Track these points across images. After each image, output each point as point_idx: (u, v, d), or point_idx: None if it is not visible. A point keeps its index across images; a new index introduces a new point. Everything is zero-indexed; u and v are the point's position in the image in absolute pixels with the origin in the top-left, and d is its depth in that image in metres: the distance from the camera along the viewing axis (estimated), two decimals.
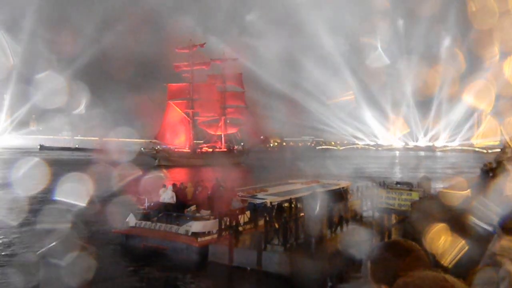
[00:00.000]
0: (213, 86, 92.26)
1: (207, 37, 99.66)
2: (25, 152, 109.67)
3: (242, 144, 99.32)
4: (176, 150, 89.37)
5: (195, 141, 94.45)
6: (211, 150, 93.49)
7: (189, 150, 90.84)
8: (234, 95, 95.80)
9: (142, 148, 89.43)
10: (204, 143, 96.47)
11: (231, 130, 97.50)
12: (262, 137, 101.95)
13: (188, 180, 24.26)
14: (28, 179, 37.59)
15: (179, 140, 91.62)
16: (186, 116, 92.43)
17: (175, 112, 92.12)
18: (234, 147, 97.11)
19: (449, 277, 1.38)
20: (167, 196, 19.59)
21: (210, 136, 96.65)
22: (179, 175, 60.05)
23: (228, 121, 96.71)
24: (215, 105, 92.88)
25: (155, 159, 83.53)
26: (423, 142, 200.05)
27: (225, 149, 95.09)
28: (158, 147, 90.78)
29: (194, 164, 77.53)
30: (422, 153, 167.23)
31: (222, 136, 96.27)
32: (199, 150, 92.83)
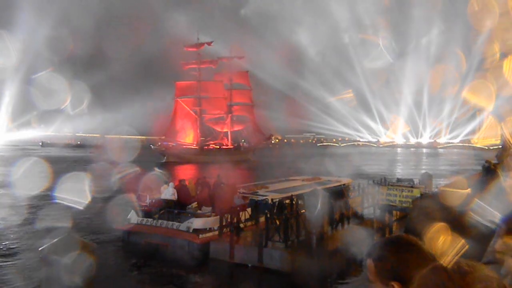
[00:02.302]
0: (220, 84, 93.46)
1: (212, 36, 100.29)
2: (27, 150, 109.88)
3: (243, 140, 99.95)
4: (184, 147, 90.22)
5: (202, 138, 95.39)
6: (218, 147, 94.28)
7: (197, 147, 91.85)
8: (241, 93, 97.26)
9: (151, 145, 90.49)
10: (211, 140, 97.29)
11: (238, 128, 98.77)
12: (267, 134, 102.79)
13: (193, 176, 24.33)
14: (29, 176, 37.67)
15: (187, 137, 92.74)
16: (193, 114, 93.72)
17: (183, 110, 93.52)
18: (241, 144, 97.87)
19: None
20: (168, 193, 19.62)
21: (217, 133, 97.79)
22: (186, 171, 60.28)
23: (234, 119, 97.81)
24: (222, 102, 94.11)
25: (164, 155, 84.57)
26: (424, 139, 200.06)
27: (232, 146, 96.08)
28: (160, 143, 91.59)
29: (202, 161, 77.94)
30: (424, 150, 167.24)
31: (229, 133, 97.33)
32: (206, 147, 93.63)
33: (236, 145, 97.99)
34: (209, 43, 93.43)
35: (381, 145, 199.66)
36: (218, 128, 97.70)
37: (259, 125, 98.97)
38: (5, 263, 16.65)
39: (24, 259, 16.23)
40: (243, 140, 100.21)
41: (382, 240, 1.93)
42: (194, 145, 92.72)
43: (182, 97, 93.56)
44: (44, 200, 29.02)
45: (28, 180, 33.94)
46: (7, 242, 19.67)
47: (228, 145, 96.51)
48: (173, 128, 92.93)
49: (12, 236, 20.69)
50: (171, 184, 20.23)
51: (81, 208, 21.87)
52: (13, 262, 16.54)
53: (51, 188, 28.73)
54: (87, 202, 22.30)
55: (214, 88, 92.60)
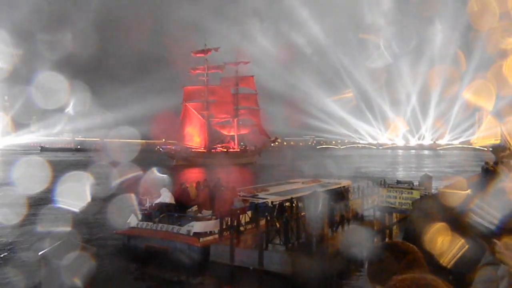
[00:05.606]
0: (226, 89, 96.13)
1: (212, 38, 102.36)
2: (26, 153, 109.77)
3: (241, 144, 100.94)
4: (192, 150, 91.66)
5: (209, 142, 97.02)
6: (225, 150, 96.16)
7: (204, 150, 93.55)
8: (247, 97, 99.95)
9: (161, 149, 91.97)
10: (218, 143, 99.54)
11: (244, 131, 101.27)
12: (272, 137, 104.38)
13: (198, 179, 24.33)
14: (29, 180, 37.61)
15: (195, 141, 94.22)
16: (201, 118, 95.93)
17: (192, 114, 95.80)
18: (247, 147, 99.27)
19: (436, 279, 1.41)
20: (165, 197, 19.51)
21: (224, 136, 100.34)
22: (194, 174, 60.39)
23: (240, 122, 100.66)
24: (229, 106, 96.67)
25: (173, 158, 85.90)
26: (425, 140, 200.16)
27: (238, 149, 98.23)
28: (158, 147, 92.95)
29: (210, 164, 78.56)
30: (425, 152, 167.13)
31: (235, 136, 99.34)
32: (213, 150, 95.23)
33: (242, 148, 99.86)
34: (216, 49, 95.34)
35: (381, 147, 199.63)
36: (225, 132, 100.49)
37: (264, 128, 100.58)
38: (5, 265, 16.62)
39: (24, 262, 16.19)
40: (242, 143, 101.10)
41: (379, 244, 1.97)
42: (202, 148, 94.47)
43: (190, 101, 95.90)
44: (44, 202, 28.99)
45: (27, 183, 33.90)
46: (7, 244, 19.63)
47: (234, 148, 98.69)
48: (181, 131, 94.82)
49: (12, 238, 20.64)
50: (164, 188, 20.13)
51: (81, 211, 21.86)
52: (13, 265, 16.48)
53: (50, 191, 28.74)
54: (87, 204, 22.29)
55: (221, 93, 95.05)
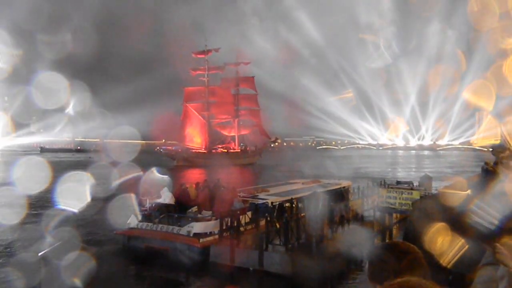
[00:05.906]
0: (227, 89, 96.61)
1: (213, 39, 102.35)
2: (26, 154, 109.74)
3: (241, 144, 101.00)
4: (193, 151, 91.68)
5: (210, 142, 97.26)
6: (226, 150, 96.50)
7: (205, 151, 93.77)
8: (247, 98, 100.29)
9: (161, 149, 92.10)
10: (218, 144, 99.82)
11: (244, 132, 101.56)
12: (273, 138, 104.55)
13: (199, 180, 24.34)
14: (29, 180, 37.62)
15: (196, 141, 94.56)
16: (202, 118, 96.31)
17: (192, 114, 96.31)
18: (247, 147, 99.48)
19: (421, 280, 1.42)
20: (165, 197, 19.50)
21: (224, 137, 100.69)
22: (195, 175, 60.40)
23: (241, 123, 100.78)
24: (229, 107, 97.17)
25: (174, 159, 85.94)
26: (425, 141, 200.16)
27: (239, 150, 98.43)
28: (158, 147, 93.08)
29: (210, 165, 78.61)
30: (425, 152, 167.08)
31: (236, 137, 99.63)
32: (214, 150, 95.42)
33: (242, 148, 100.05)
34: (216, 50, 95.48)
35: (381, 148, 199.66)
36: (225, 132, 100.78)
37: (265, 129, 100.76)
38: (5, 266, 16.61)
39: (24, 262, 16.18)
40: (242, 144, 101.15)
41: (380, 244, 1.97)
42: (203, 149, 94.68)
43: (191, 102, 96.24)
44: (44, 202, 29.00)
45: (27, 183, 33.88)
46: (7, 245, 19.63)
47: (235, 149, 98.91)
48: (182, 132, 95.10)
49: (12, 239, 20.64)
50: (165, 188, 20.13)
51: (81, 211, 21.85)
52: (13, 265, 16.48)
53: (51, 191, 28.73)
54: (87, 205, 22.28)
55: (222, 93, 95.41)
